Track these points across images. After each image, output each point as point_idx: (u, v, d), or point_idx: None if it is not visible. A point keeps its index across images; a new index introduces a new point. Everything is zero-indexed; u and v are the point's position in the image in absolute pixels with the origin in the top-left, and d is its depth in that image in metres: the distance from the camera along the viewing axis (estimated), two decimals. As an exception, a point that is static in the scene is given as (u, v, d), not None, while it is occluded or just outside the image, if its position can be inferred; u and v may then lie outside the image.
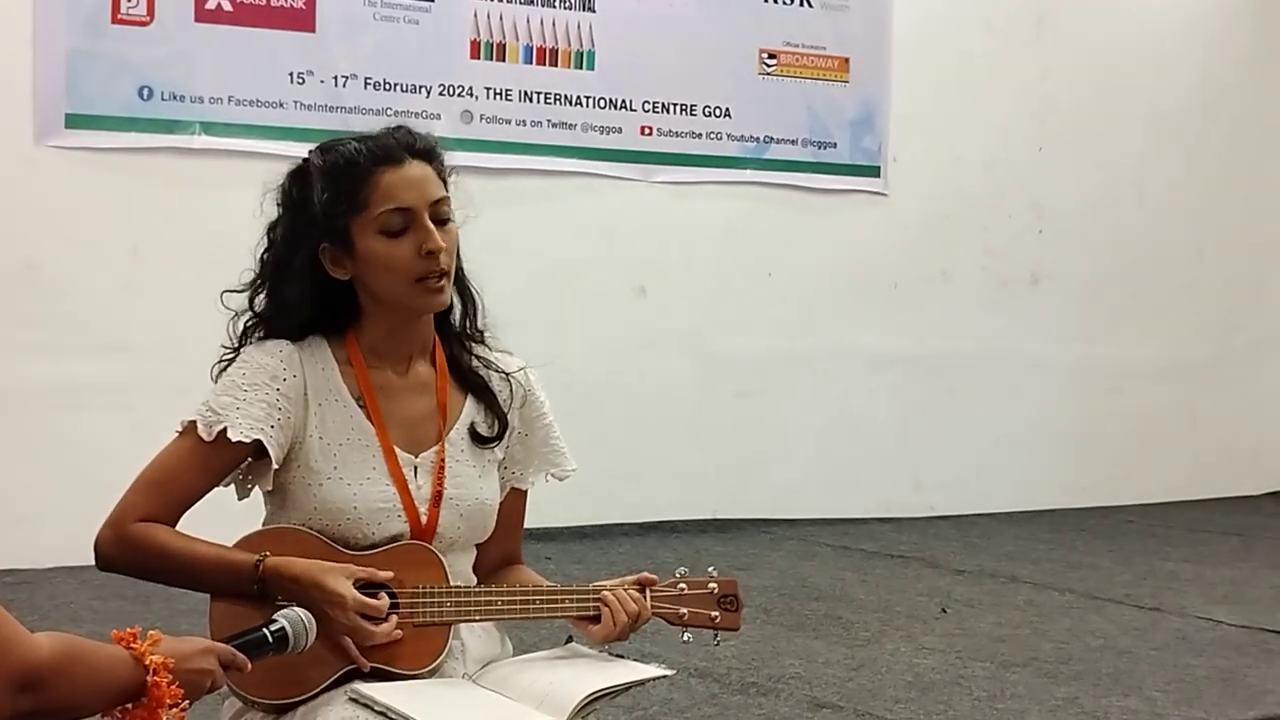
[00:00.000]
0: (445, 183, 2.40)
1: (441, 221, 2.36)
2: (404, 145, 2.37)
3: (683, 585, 2.45)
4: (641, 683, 2.33)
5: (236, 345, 2.39)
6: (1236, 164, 8.54)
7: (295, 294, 2.37)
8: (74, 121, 5.81)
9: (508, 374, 2.51)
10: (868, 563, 6.33)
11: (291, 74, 6.14)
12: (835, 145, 7.35)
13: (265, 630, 2.08)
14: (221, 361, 2.39)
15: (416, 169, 2.35)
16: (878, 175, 7.48)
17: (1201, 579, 6.08)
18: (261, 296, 2.40)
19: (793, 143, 7.25)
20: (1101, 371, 8.15)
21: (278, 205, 2.41)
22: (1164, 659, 4.70)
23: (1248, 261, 8.65)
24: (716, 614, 2.45)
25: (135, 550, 2.26)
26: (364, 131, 2.42)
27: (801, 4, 7.20)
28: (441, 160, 2.41)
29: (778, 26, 7.16)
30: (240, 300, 2.42)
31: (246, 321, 2.40)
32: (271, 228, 2.41)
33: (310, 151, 2.41)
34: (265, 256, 2.41)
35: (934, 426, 7.69)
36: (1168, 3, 8.33)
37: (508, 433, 2.49)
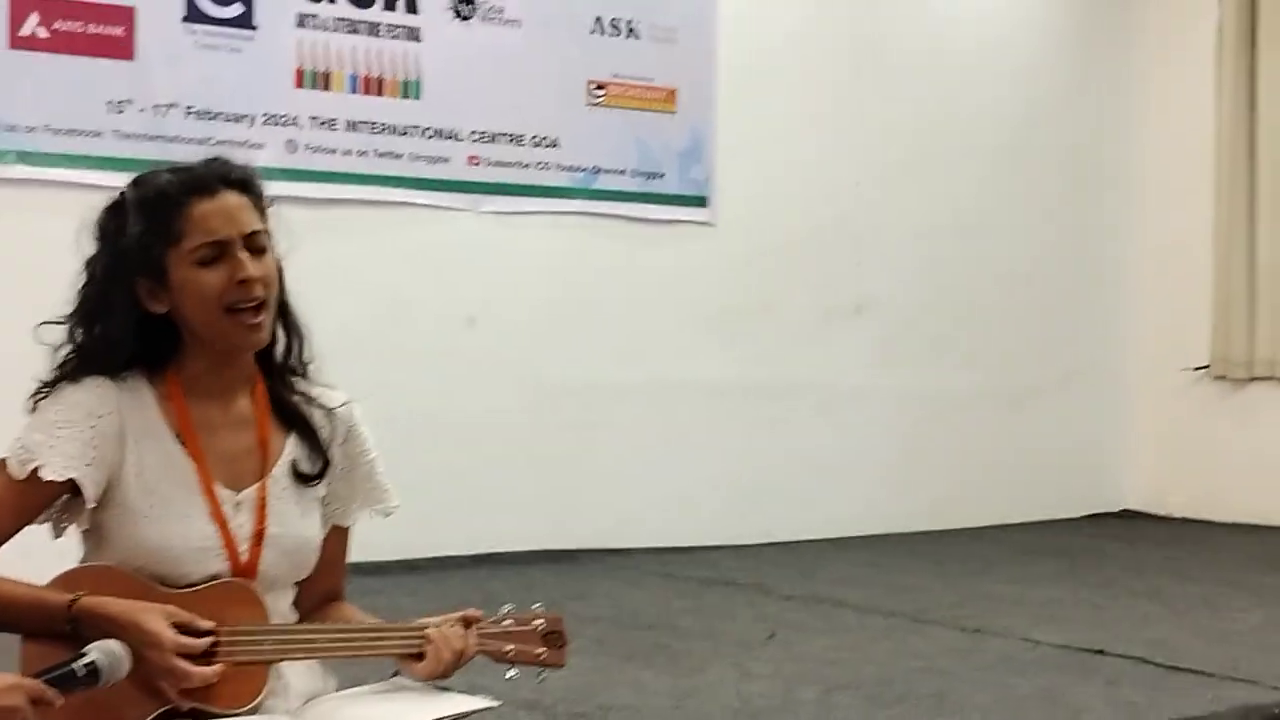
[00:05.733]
0: (264, 213, 2.38)
1: (258, 252, 2.34)
2: (218, 176, 2.34)
3: (509, 621, 2.44)
4: (467, 714, 2.32)
5: (55, 378, 2.34)
6: (1052, 195, 8.78)
7: (114, 328, 2.33)
8: (-117, 151, 5.64)
9: (330, 410, 2.49)
10: (699, 590, 6.36)
11: (110, 102, 6.02)
12: (663, 176, 7.41)
13: (75, 664, 2.04)
14: (38, 394, 2.34)
15: (231, 199, 2.33)
16: (705, 205, 7.55)
17: (1023, 600, 6.21)
18: (80, 331, 2.36)
19: (621, 173, 7.28)
20: (925, 399, 8.30)
21: (95, 239, 2.37)
22: (987, 679, 4.78)
23: (1063, 291, 8.88)
24: (542, 650, 2.44)
25: (-57, 591, 2.20)
26: (181, 163, 2.40)
27: (629, 35, 7.25)
28: (259, 191, 2.39)
29: (605, 57, 7.20)
30: (59, 334, 2.37)
31: (66, 355, 2.36)
32: (89, 262, 2.37)
33: (126, 185, 2.38)
34: (83, 290, 2.37)
35: (764, 454, 7.76)
36: (987, 37, 8.54)
37: (330, 469, 2.47)
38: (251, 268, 2.31)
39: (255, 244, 2.34)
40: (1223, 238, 8.65)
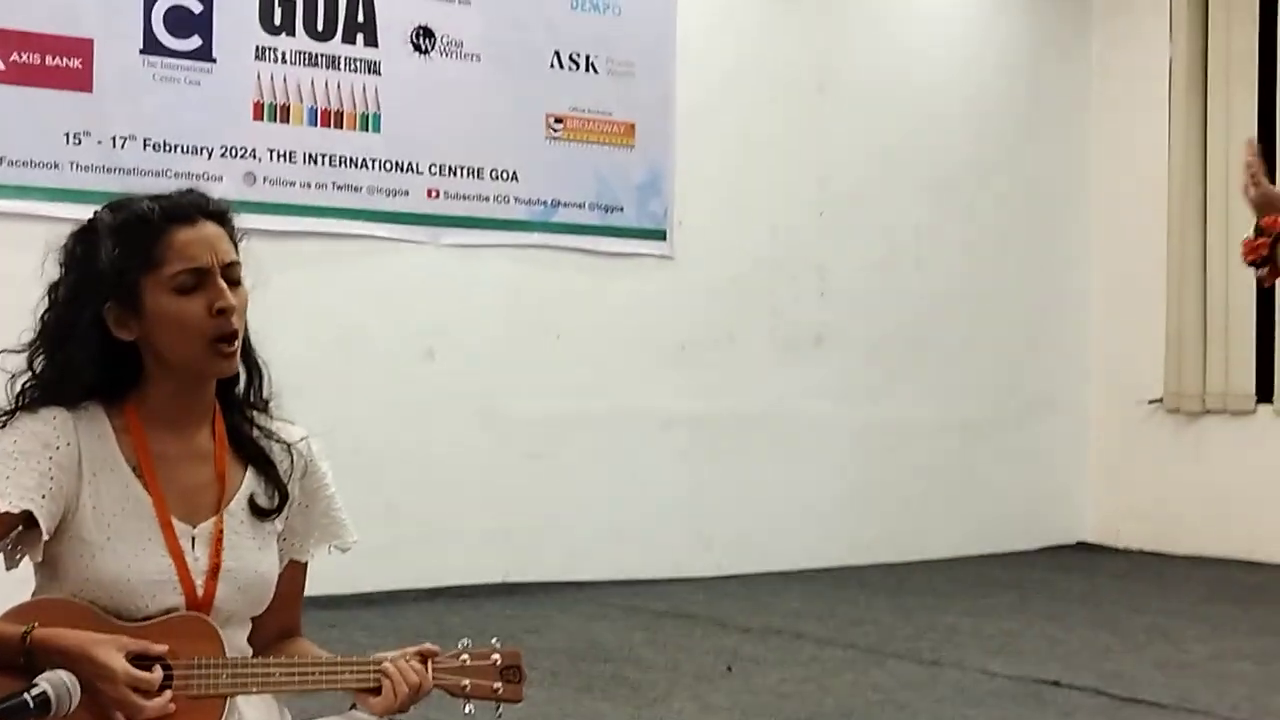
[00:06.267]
0: (237, 247, 2.39)
1: (234, 283, 2.34)
2: (197, 205, 2.35)
3: (465, 656, 2.42)
4: (424, 749, 2.32)
5: (13, 408, 2.32)
6: (1009, 229, 8.86)
7: (78, 355, 2.31)
8: None
9: (289, 444, 2.48)
10: (657, 623, 6.37)
11: (68, 134, 6.00)
12: (622, 209, 7.43)
13: (26, 695, 2.02)
14: None
15: (210, 229, 2.34)
16: (664, 239, 7.58)
17: (979, 632, 6.24)
18: (41, 358, 2.34)
19: (580, 206, 7.31)
20: (883, 431, 8.33)
21: (60, 265, 2.35)
22: (943, 711, 4.80)
23: (1021, 324, 8.95)
24: (499, 685, 2.43)
25: (-105, 624, 2.18)
26: (154, 192, 2.39)
27: (588, 70, 7.28)
28: (233, 225, 2.40)
29: (564, 91, 7.23)
30: (17, 362, 2.35)
31: (25, 383, 2.34)
32: (53, 288, 2.35)
33: (98, 210, 2.37)
34: (46, 317, 2.35)
35: (723, 486, 7.78)
36: (943, 74, 8.61)
37: (287, 504, 2.46)
38: (230, 296, 2.32)
39: (232, 275, 2.34)
40: (1175, 273, 8.73)
